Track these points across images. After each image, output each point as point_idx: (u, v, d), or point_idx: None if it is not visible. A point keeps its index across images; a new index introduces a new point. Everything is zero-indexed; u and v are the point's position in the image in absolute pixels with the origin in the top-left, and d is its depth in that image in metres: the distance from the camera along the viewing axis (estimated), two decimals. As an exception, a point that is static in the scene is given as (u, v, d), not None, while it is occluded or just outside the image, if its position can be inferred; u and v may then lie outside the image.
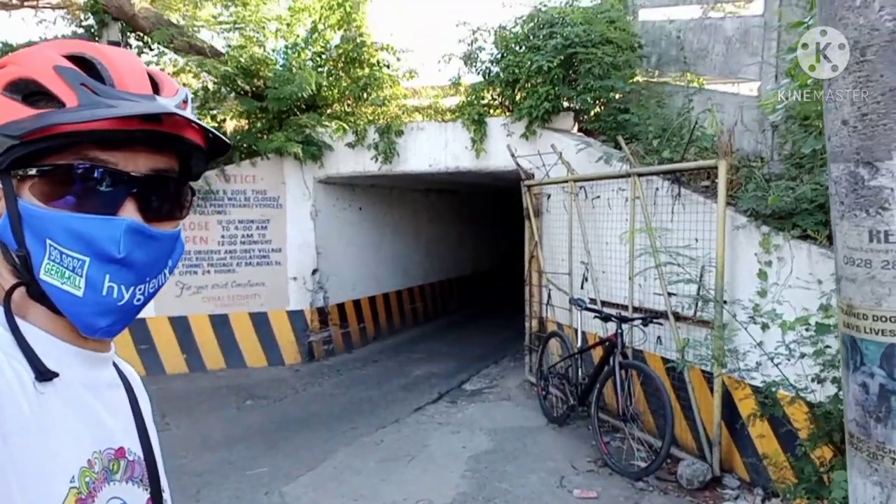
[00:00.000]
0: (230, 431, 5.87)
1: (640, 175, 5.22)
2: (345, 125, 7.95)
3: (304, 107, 8.05)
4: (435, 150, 7.80)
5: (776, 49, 6.03)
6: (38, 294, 0.77)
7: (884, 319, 1.60)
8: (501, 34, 7.56)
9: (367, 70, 8.45)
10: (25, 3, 9.33)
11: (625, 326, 5.01)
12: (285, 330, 8.24)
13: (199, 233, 7.76)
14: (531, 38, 7.11)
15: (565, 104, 7.02)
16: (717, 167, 4.47)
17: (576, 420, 5.87)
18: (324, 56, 8.53)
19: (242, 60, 7.75)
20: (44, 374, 0.73)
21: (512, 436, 5.65)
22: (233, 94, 8.26)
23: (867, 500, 1.69)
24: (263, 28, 8.16)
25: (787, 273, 4.10)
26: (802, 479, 3.54)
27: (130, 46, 8.17)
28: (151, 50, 8.34)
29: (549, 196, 6.84)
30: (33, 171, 0.75)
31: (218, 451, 5.38)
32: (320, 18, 8.48)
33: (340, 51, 8.46)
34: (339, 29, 8.57)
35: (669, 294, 4.87)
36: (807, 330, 3.48)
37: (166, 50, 8.11)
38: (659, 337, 5.19)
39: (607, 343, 5.13)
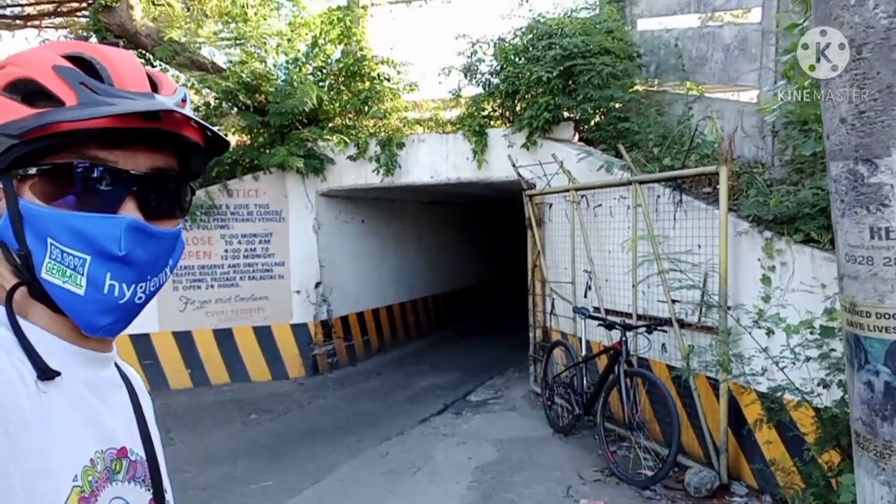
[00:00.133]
0: (235, 445, 5.84)
1: (641, 183, 5.23)
2: (346, 138, 7.99)
3: (305, 121, 8.10)
4: (436, 161, 7.83)
5: (775, 55, 6.06)
6: (40, 293, 0.77)
7: (887, 316, 1.60)
8: (501, 46, 7.60)
9: (367, 83, 8.49)
10: (29, 23, 9.43)
11: (629, 334, 5.00)
12: (289, 343, 8.23)
13: (202, 247, 7.78)
14: (530, 49, 7.15)
15: (565, 114, 7.05)
16: (718, 173, 4.48)
17: (581, 429, 5.84)
18: (325, 70, 8.58)
19: (244, 76, 7.81)
20: (46, 372, 0.73)
21: (518, 446, 5.62)
22: (235, 110, 8.32)
23: (875, 500, 1.67)
24: (264, 44, 8.22)
25: (791, 278, 4.09)
26: (811, 483, 3.51)
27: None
28: (154, 67, 8.41)
29: (550, 205, 6.85)
30: (33, 171, 0.75)
31: (223, 465, 5.36)
32: (321, 33, 8.54)
33: (341, 65, 8.51)
34: (339, 43, 8.63)
35: (673, 301, 4.86)
36: (811, 333, 3.46)
37: (168, 66, 8.17)
38: (664, 344, 5.17)
39: (612, 351, 5.11)
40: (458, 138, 7.69)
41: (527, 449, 5.54)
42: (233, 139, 8.73)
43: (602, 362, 5.50)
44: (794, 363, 3.56)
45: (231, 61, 8.26)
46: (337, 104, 8.41)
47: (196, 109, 7.84)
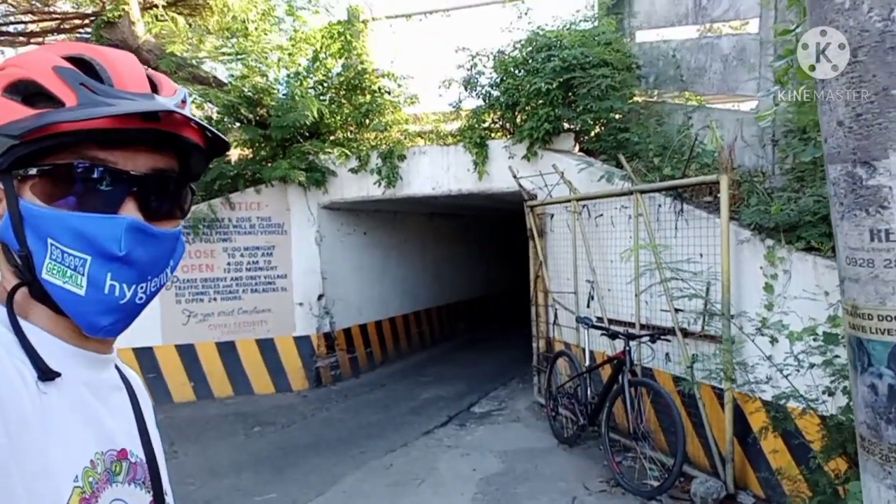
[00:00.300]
0: (238, 458, 5.82)
1: (642, 192, 5.23)
2: (348, 151, 8.03)
3: (307, 134, 8.14)
4: (437, 173, 7.85)
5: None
6: (41, 294, 0.77)
7: (889, 319, 1.59)
8: (500, 58, 7.65)
9: (368, 97, 8.55)
10: (32, 40, 9.52)
11: (632, 344, 4.98)
12: (292, 356, 8.22)
13: (204, 260, 7.79)
14: (530, 61, 7.19)
15: (565, 125, 7.08)
16: (718, 182, 4.48)
17: (586, 440, 5.80)
18: (325, 84, 8.64)
19: (245, 90, 7.86)
20: (46, 373, 0.73)
21: (522, 457, 5.59)
22: (237, 124, 8.37)
23: (881, 504, 1.66)
24: (265, 58, 8.29)
25: (793, 285, 4.08)
26: (817, 492, 3.48)
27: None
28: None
29: (552, 216, 6.85)
30: (34, 171, 0.75)
31: (226, 477, 5.33)
32: (321, 48, 8.61)
33: (342, 78, 8.57)
34: (340, 57, 8.69)
35: (676, 310, 4.85)
36: (815, 340, 3.45)
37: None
38: (667, 353, 5.16)
39: (615, 361, 5.09)
40: (458, 150, 7.72)
41: (531, 460, 5.51)
42: (235, 153, 8.78)
43: (606, 372, 5.48)
44: (798, 370, 3.54)
45: (233, 76, 8.32)
46: (338, 117, 8.46)
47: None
